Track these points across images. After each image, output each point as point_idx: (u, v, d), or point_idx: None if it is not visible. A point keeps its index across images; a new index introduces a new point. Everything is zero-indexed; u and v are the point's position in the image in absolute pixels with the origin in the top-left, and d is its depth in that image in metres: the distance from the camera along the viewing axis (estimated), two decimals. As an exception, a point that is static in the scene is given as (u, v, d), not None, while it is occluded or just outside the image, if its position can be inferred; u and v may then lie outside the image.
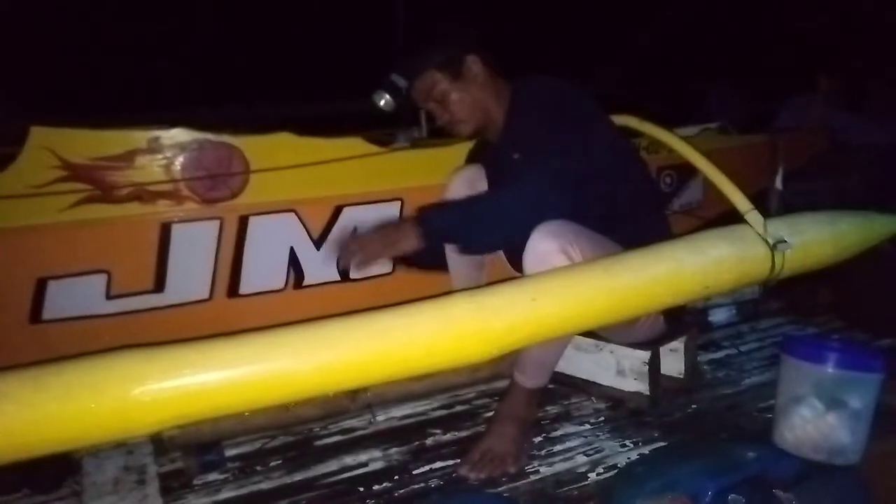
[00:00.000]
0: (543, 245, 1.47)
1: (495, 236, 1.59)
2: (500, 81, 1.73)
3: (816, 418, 1.26)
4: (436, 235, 1.55)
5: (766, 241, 1.51)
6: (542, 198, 1.51)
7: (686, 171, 2.92)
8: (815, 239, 1.57)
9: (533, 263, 1.48)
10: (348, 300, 1.96)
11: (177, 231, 1.97)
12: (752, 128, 3.23)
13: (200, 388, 1.13)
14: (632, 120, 1.91)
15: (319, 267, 2.18)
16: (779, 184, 2.59)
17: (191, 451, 1.66)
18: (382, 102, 1.76)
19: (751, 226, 1.55)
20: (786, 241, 1.50)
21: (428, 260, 1.94)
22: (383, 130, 2.53)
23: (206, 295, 2.05)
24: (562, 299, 1.36)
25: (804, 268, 1.59)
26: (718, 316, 2.40)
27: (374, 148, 2.23)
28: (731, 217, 1.82)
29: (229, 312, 2.08)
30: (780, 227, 1.54)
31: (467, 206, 1.58)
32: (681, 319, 1.89)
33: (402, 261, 2.02)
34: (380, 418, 1.89)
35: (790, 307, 2.52)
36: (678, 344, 1.93)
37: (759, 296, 2.45)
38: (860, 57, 4.00)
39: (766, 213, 2.64)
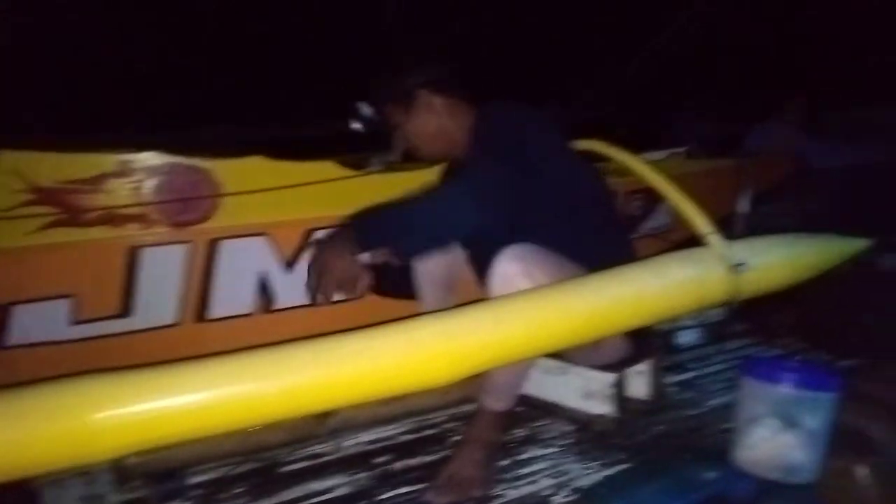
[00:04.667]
0: (508, 268, 1.49)
1: (422, 240, 1.58)
2: (463, 107, 1.77)
3: (773, 438, 1.28)
4: (369, 241, 1.56)
5: (726, 264, 1.54)
6: (462, 204, 1.52)
7: (655, 195, 2.97)
8: (774, 261, 1.61)
9: (498, 286, 1.50)
10: (320, 324, 1.95)
11: (145, 255, 1.96)
12: (720, 152, 3.29)
13: (161, 413, 1.12)
14: (597, 145, 1.95)
15: (290, 290, 2.18)
16: (745, 207, 2.65)
17: (152, 478, 1.64)
18: (356, 127, 1.80)
19: (711, 248, 1.58)
20: (745, 264, 1.54)
21: (395, 288, 1.96)
22: (357, 154, 2.56)
23: (173, 319, 2.04)
24: (526, 322, 1.38)
25: (763, 289, 1.63)
26: (685, 338, 2.44)
27: (346, 171, 2.24)
28: (700, 240, 1.86)
29: (198, 337, 2.07)
30: (739, 250, 1.58)
31: (396, 211, 1.59)
32: (646, 342, 1.92)
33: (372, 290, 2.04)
34: (347, 443, 1.88)
35: (755, 328, 2.56)
36: (644, 366, 1.95)
37: (724, 318, 2.49)
38: (825, 83, 4.11)
39: (733, 236, 2.71)
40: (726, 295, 1.55)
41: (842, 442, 1.37)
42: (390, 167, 2.45)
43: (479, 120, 1.71)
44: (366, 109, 1.75)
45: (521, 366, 1.61)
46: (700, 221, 1.62)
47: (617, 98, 3.57)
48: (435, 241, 1.60)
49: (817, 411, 1.28)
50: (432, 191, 1.66)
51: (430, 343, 1.30)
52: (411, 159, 2.59)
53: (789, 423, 1.28)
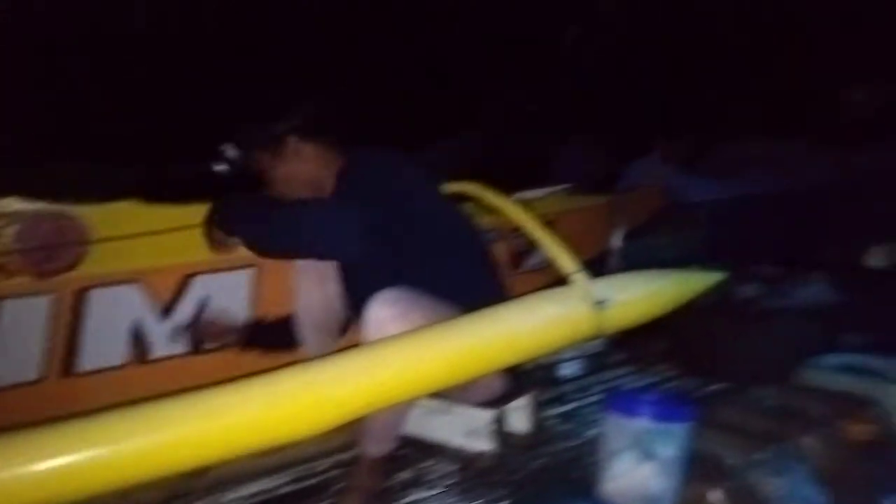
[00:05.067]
0: (380, 313, 1.50)
1: (283, 241, 1.65)
2: (332, 153, 1.78)
3: (633, 469, 1.34)
4: (232, 226, 1.65)
5: (591, 301, 1.62)
6: (328, 223, 1.60)
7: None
8: (635, 297, 1.70)
9: (370, 332, 1.51)
10: (199, 374, 1.91)
11: (4, 308, 1.85)
12: (602, 188, 3.45)
13: (22, 480, 1.07)
14: (468, 186, 2.00)
15: (166, 340, 2.11)
16: (618, 242, 2.78)
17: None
18: (220, 169, 1.78)
19: (576, 287, 1.65)
20: (607, 300, 1.62)
21: (271, 340, 1.95)
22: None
23: (37, 375, 1.92)
24: (398, 366, 1.40)
25: (626, 324, 1.72)
26: (566, 370, 2.51)
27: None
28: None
29: (65, 393, 1.96)
30: (603, 288, 1.66)
31: (265, 205, 1.65)
32: (525, 377, 1.97)
33: (247, 345, 2.02)
34: (227, 498, 1.82)
35: (633, 358, 2.68)
36: (524, 401, 2.00)
37: (603, 348, 2.59)
38: (699, 120, 4.41)
39: (608, 270, 2.83)
40: (592, 331, 1.62)
41: (698, 469, 1.45)
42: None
43: (346, 166, 1.73)
44: (231, 152, 1.73)
45: (398, 410, 1.62)
46: (565, 260, 1.70)
47: (502, 135, 3.69)
48: (295, 246, 1.65)
49: (673, 442, 1.35)
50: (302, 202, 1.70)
51: (297, 394, 1.30)
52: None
53: (647, 454, 1.34)
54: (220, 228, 1.79)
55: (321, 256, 1.79)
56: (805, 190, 3.71)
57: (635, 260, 3.35)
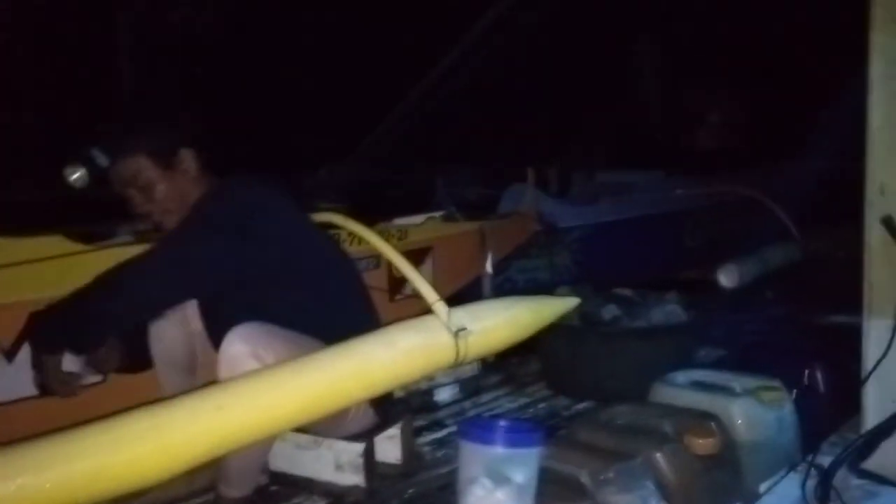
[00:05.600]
0: (233, 349, 1.47)
1: (98, 331, 1.55)
2: (208, 179, 1.73)
3: (487, 496, 1.37)
4: (52, 346, 1.49)
5: (450, 330, 1.65)
6: (150, 280, 1.52)
7: (416, 256, 3.12)
8: (494, 324, 1.74)
9: (225, 370, 1.47)
10: (49, 417, 1.79)
11: None
12: (477, 214, 3.54)
13: None
14: (333, 217, 2.00)
15: (10, 382, 1.96)
16: (489, 268, 2.86)
17: None
18: (75, 177, 1.63)
19: (436, 316, 1.68)
20: (466, 329, 1.65)
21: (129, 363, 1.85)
22: (93, 225, 2.37)
23: None
24: (250, 405, 1.37)
25: (487, 351, 1.77)
26: (443, 395, 2.54)
27: (77, 246, 2.08)
28: (460, 297, 1.96)
29: None
30: (462, 316, 1.69)
31: (67, 307, 1.52)
32: (398, 405, 1.98)
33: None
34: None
35: (507, 379, 2.75)
36: (395, 430, 2.00)
37: (479, 372, 2.65)
38: (567, 151, 4.64)
39: (483, 294, 2.90)
40: (452, 360, 1.65)
41: (555, 489, 1.50)
42: (141, 237, 2.29)
43: (211, 191, 1.67)
44: (102, 159, 1.59)
45: (255, 449, 1.57)
46: (426, 290, 1.72)
47: (378, 164, 3.72)
48: (116, 324, 1.55)
49: (524, 466, 1.39)
50: (115, 269, 1.57)
51: (141, 439, 1.24)
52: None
53: (501, 480, 1.38)
54: (45, 351, 1.54)
55: (194, 296, 1.70)
56: (662, 216, 3.99)
57: (510, 283, 3.47)
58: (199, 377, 1.92)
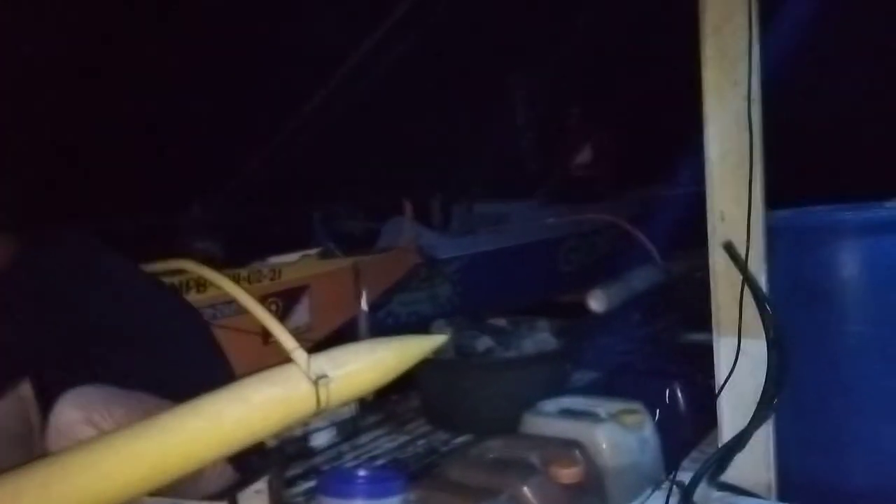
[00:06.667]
0: (64, 417, 1.36)
1: None
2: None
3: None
4: None
5: (310, 378, 1.59)
6: None
7: (291, 295, 3.04)
8: (356, 368, 1.70)
9: (55, 440, 1.35)
10: None
11: None
12: (355, 250, 3.51)
13: None
14: (185, 263, 1.92)
15: None
16: (364, 305, 2.82)
17: None
18: None
19: (295, 364, 1.62)
20: (327, 376, 1.60)
21: None
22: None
23: None
24: (83, 477, 1.26)
25: (351, 396, 1.72)
26: (319, 440, 2.47)
27: None
28: (343, 336, 1.89)
29: None
30: (322, 363, 1.64)
31: None
32: (263, 456, 1.89)
33: None
34: None
35: (386, 418, 2.71)
36: (262, 484, 1.91)
37: (356, 412, 2.59)
38: (447, 183, 4.71)
39: (360, 330, 2.85)
40: (314, 408, 1.59)
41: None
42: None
43: (21, 252, 1.55)
44: None
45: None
46: (284, 337, 1.66)
47: (254, 198, 3.63)
48: None
49: (389, 516, 1.37)
50: None
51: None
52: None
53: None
54: None
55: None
56: (537, 244, 4.11)
57: (393, 317, 3.45)
58: (39, 449, 1.76)
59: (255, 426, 1.49)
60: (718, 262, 1.85)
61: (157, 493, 1.72)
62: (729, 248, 1.80)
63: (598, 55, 5.72)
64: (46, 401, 1.67)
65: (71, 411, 1.35)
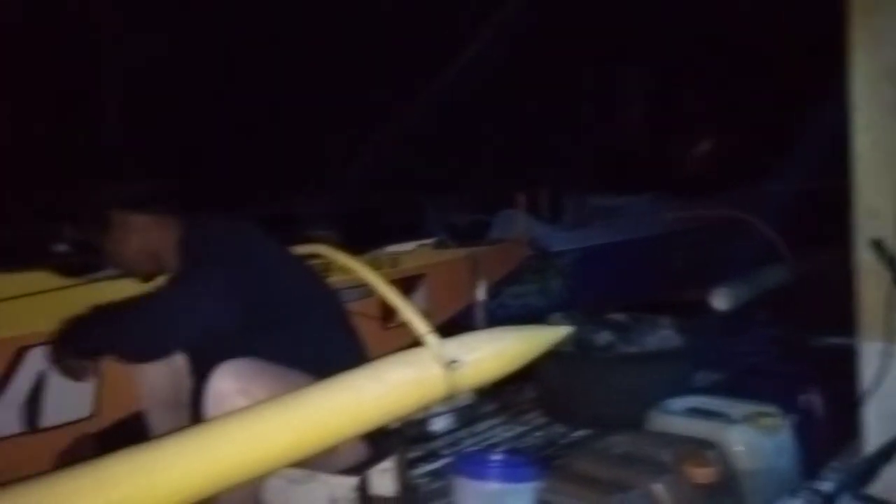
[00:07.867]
0: (221, 386, 1.44)
1: (149, 344, 1.61)
2: (165, 223, 1.72)
3: (483, 533, 1.34)
4: (89, 349, 1.58)
5: (442, 362, 1.62)
6: (189, 306, 1.57)
7: (409, 284, 3.10)
8: (484, 356, 1.71)
9: (212, 406, 1.44)
10: (40, 455, 1.77)
11: None
12: (469, 241, 3.54)
13: None
14: (320, 249, 1.99)
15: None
16: (482, 295, 2.84)
17: None
18: (61, 250, 1.71)
19: (428, 348, 1.66)
20: (458, 361, 1.63)
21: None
22: (79, 260, 2.36)
23: None
24: (239, 443, 1.34)
25: (479, 381, 1.73)
26: (438, 425, 2.50)
27: (66, 281, 2.07)
28: (454, 324, 1.92)
29: None
30: (453, 348, 1.67)
31: (117, 313, 1.60)
32: (392, 437, 1.94)
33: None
34: None
35: (503, 408, 2.71)
36: (389, 463, 1.96)
37: (474, 400, 2.61)
38: (558, 176, 4.66)
39: (476, 321, 2.87)
40: (444, 393, 1.62)
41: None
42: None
43: (186, 236, 1.67)
44: (69, 232, 1.67)
45: (248, 487, 1.54)
46: (417, 321, 1.70)
47: (368, 189, 3.72)
48: (163, 345, 1.61)
49: (520, 501, 1.37)
50: (155, 293, 1.64)
51: (130, 479, 1.21)
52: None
53: (498, 515, 1.35)
54: (82, 354, 1.65)
55: (202, 341, 1.68)
56: (652, 238, 3.99)
57: (504, 308, 3.45)
58: (186, 414, 1.89)
59: (390, 405, 1.54)
60: (865, 260, 1.74)
61: (295, 465, 1.82)
62: (877, 245, 1.69)
63: (719, 46, 5.50)
64: (195, 370, 1.80)
65: (228, 381, 1.44)
